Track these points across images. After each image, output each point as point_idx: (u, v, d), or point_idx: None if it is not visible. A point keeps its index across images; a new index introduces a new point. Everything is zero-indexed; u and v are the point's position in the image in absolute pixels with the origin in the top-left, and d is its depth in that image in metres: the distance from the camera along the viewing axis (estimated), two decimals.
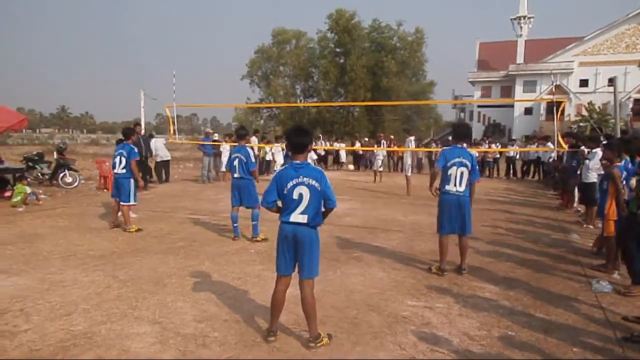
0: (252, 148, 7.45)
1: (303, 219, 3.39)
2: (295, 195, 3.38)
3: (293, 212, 3.40)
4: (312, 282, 3.49)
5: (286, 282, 3.54)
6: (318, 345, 3.44)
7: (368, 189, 13.96)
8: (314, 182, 3.38)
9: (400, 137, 24.80)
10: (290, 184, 3.38)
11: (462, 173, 5.24)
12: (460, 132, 5.65)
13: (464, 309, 4.30)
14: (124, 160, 7.39)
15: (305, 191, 3.37)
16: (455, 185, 5.25)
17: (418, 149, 13.38)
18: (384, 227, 8.04)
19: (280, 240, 3.50)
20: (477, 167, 5.44)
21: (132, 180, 7.44)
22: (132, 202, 7.50)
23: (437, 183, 5.56)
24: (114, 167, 7.51)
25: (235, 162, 6.88)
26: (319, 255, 3.55)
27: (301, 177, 3.38)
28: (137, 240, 6.83)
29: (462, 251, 5.47)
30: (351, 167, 21.80)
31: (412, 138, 14.05)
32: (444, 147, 6.00)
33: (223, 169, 15.46)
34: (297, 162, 3.46)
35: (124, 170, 7.40)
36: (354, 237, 7.26)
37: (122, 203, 7.42)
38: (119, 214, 7.63)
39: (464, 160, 5.24)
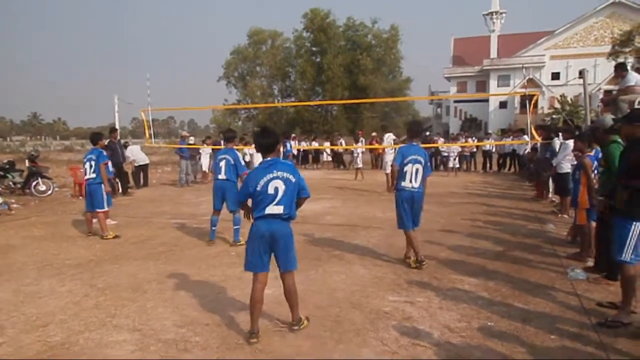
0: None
1: (278, 209, 3.50)
2: (270, 190, 3.48)
3: (269, 205, 3.49)
4: (293, 274, 3.68)
5: (263, 280, 3.61)
6: (301, 327, 3.69)
7: (349, 187, 14.02)
8: (288, 175, 3.52)
9: (380, 134, 24.94)
10: (264, 180, 3.48)
11: (417, 170, 5.44)
12: (413, 129, 5.93)
13: (444, 302, 4.35)
14: (93, 164, 7.26)
15: (280, 184, 3.49)
16: (410, 181, 5.44)
17: (396, 146, 13.51)
18: (364, 225, 8.09)
19: (255, 238, 3.54)
20: (429, 164, 5.78)
21: (103, 186, 7.30)
22: (106, 208, 7.36)
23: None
24: (85, 173, 7.37)
25: (222, 164, 6.68)
26: (294, 248, 3.70)
27: (275, 171, 3.50)
28: (115, 247, 6.70)
29: (415, 243, 5.55)
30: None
31: (390, 135, 14.14)
32: (401, 145, 6.24)
33: (205, 169, 15.39)
34: (268, 158, 3.62)
35: (95, 175, 7.26)
36: (335, 235, 7.28)
37: (96, 210, 7.26)
38: (95, 220, 7.48)
39: (419, 157, 5.46)
